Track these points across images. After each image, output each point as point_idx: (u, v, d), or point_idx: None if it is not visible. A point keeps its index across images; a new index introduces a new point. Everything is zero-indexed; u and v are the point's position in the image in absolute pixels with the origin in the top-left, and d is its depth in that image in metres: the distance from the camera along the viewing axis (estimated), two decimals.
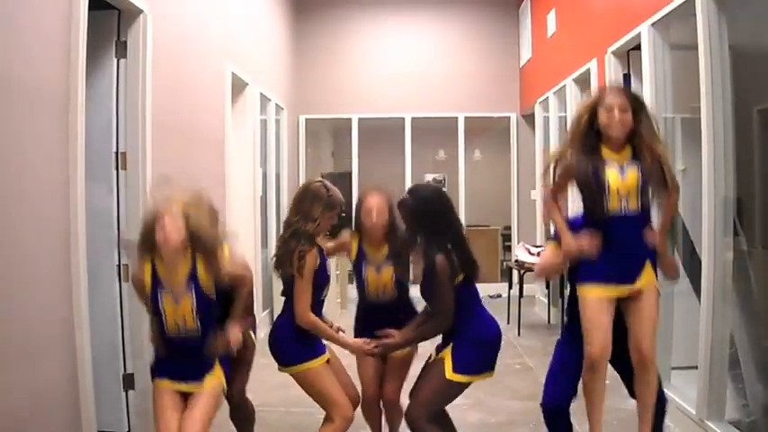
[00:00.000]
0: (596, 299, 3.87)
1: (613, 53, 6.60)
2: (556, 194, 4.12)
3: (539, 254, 8.79)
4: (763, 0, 4.33)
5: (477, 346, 4.02)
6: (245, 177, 8.00)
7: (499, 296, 10.36)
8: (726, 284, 4.66)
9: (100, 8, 4.48)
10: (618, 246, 3.87)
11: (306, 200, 4.14)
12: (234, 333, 3.86)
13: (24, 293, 3.54)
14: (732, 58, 4.66)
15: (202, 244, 3.62)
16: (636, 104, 3.88)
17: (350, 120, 11.77)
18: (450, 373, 3.93)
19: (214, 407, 3.73)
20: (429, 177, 13.28)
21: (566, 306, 4.13)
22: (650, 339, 3.89)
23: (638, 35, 5.78)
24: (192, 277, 3.63)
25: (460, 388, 4.03)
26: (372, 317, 4.38)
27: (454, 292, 3.92)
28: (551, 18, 9.52)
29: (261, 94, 8.74)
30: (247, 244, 7.15)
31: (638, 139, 3.86)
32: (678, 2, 5.00)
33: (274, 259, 4.22)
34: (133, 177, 4.74)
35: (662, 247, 4.00)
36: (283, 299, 4.24)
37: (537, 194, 10.76)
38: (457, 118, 11.95)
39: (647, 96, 5.70)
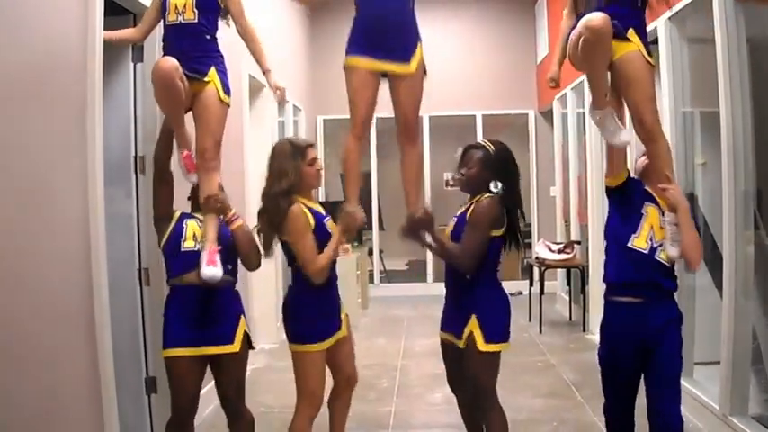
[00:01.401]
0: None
1: None
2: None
3: (559, 251, 8.80)
4: None
5: (499, 314, 4.00)
6: (264, 179, 8.00)
7: (520, 293, 10.33)
8: (747, 278, 4.64)
9: (115, 14, 4.49)
10: None
11: (273, 160, 4.04)
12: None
13: (45, 298, 3.56)
14: (750, 50, 4.63)
15: None
16: None
17: None
18: (483, 345, 3.88)
19: (220, 115, 4.15)
20: (448, 176, 13.24)
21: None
22: (648, 108, 3.77)
23: (655, 29, 5.74)
24: None
25: (497, 357, 3.98)
26: (377, 16, 4.31)
27: (487, 243, 3.93)
28: None
29: None
30: None
31: None
32: None
33: (258, 232, 4.10)
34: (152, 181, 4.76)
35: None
36: (290, 270, 4.11)
37: (557, 191, 10.74)
38: (475, 116, 11.94)
39: (665, 90, 5.68)
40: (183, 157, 4.22)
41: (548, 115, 11.30)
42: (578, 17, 3.85)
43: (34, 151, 3.51)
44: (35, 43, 3.55)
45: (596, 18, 3.55)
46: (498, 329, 3.96)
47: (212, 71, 4.10)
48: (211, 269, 3.95)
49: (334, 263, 4.08)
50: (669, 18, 5.50)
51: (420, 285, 11.85)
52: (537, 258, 9.07)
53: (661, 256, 3.76)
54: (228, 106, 4.21)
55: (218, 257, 3.98)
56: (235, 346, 4.15)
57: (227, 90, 4.17)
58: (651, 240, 3.77)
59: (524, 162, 12.00)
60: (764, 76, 4.79)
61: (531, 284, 9.44)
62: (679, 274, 3.97)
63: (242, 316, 4.25)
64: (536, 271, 9.33)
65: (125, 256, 4.76)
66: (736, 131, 4.58)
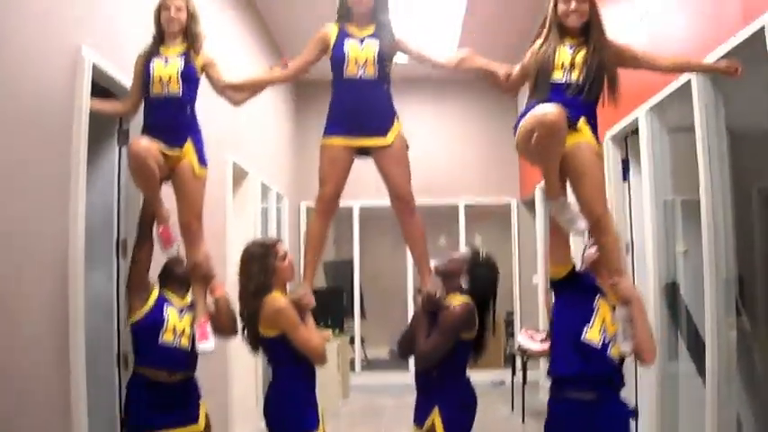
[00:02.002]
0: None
1: (611, 139, 6.59)
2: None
3: (542, 340, 8.74)
4: (758, 81, 4.40)
5: (464, 410, 4.01)
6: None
7: (502, 383, 10.25)
8: (730, 365, 4.62)
9: (102, 96, 4.52)
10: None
11: (249, 265, 4.04)
12: None
13: (22, 381, 3.51)
14: (730, 139, 4.70)
15: (198, 31, 4.34)
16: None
17: (351, 208, 11.74)
18: None
19: (197, 189, 4.33)
20: (431, 264, 13.22)
21: None
22: (599, 199, 3.74)
23: (636, 120, 5.83)
24: (185, 55, 4.26)
25: None
26: (349, 99, 4.35)
27: (455, 345, 3.95)
28: None
29: (261, 183, 8.79)
30: None
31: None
32: (675, 86, 5.06)
33: (245, 335, 4.10)
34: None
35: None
36: (271, 369, 4.11)
37: (539, 279, 10.73)
38: (457, 205, 12.01)
39: (646, 179, 5.74)
40: (160, 232, 4.35)
41: (530, 204, 11.35)
42: (529, 99, 3.88)
43: (16, 233, 3.50)
44: (21, 127, 3.56)
45: (551, 113, 3.47)
46: (459, 425, 3.97)
47: (188, 144, 4.23)
48: (204, 344, 4.15)
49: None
50: (650, 109, 5.59)
51: (402, 374, 11.65)
52: (519, 348, 9.00)
53: (612, 352, 3.69)
54: (205, 178, 4.35)
55: (208, 329, 4.17)
56: (199, 426, 4.29)
57: (202, 162, 4.31)
58: (604, 334, 3.71)
59: (507, 250, 12.02)
60: (744, 164, 4.85)
61: (514, 374, 9.36)
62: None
63: (202, 401, 4.40)
64: (518, 360, 9.26)
65: (104, 340, 4.70)
66: (716, 219, 4.62)
